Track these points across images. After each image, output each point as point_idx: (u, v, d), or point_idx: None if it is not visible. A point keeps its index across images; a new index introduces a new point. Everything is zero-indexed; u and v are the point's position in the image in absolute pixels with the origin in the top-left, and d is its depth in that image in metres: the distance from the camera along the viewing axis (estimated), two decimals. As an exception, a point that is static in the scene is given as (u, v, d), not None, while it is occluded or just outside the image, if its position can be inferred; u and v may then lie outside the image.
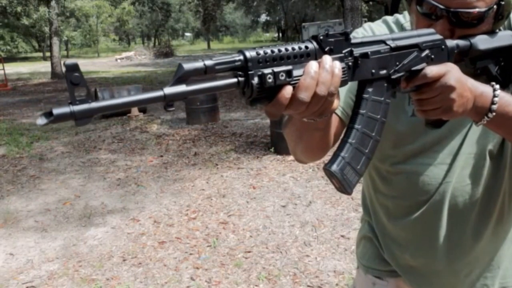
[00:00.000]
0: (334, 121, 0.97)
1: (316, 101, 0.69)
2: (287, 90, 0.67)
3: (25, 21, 27.42)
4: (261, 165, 5.43)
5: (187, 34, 71.21)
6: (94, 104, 0.58)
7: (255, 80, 0.66)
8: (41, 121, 0.57)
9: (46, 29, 23.07)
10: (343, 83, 0.73)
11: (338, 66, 0.71)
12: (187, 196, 4.60)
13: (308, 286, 2.92)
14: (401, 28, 1.08)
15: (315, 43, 0.72)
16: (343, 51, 0.75)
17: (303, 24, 25.73)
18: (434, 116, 0.83)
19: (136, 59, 31.56)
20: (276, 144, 5.86)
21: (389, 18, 1.12)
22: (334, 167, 0.77)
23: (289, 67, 0.68)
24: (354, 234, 3.49)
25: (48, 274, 3.24)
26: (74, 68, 0.57)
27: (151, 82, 15.67)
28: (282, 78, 0.67)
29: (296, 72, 0.69)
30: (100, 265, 3.32)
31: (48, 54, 24.38)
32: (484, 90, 0.85)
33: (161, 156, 6.19)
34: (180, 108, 8.57)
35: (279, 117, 0.73)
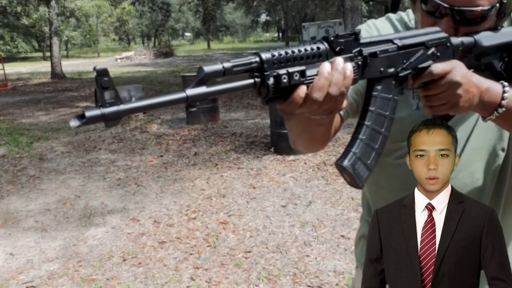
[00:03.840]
0: (336, 117, 1.01)
1: (328, 100, 0.72)
2: (302, 90, 0.70)
3: (25, 21, 27.43)
4: (261, 165, 5.43)
5: (187, 34, 71.22)
6: (122, 107, 0.61)
7: (271, 80, 0.69)
8: (74, 123, 0.60)
9: (46, 29, 23.05)
10: (353, 81, 0.75)
11: (349, 68, 0.73)
12: (187, 196, 4.60)
13: (308, 286, 2.92)
14: (405, 26, 1.09)
15: (326, 44, 0.74)
16: (353, 51, 0.77)
17: (303, 24, 25.77)
18: (441, 111, 0.85)
19: (136, 59, 31.53)
20: (276, 144, 5.86)
21: (392, 16, 1.13)
22: (346, 162, 0.79)
23: (303, 68, 0.71)
24: (354, 234, 3.48)
25: (48, 274, 3.24)
26: (104, 73, 0.60)
27: (151, 82, 15.65)
28: (296, 78, 0.70)
29: (309, 72, 0.71)
30: (100, 265, 3.32)
31: (48, 54, 24.36)
32: (490, 85, 0.86)
33: (161, 156, 6.19)
34: (180, 108, 8.56)
35: (293, 115, 0.75)
